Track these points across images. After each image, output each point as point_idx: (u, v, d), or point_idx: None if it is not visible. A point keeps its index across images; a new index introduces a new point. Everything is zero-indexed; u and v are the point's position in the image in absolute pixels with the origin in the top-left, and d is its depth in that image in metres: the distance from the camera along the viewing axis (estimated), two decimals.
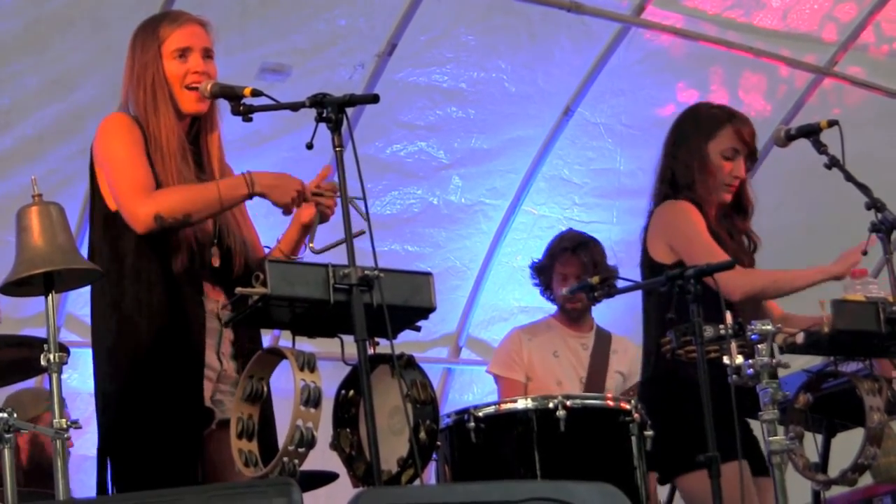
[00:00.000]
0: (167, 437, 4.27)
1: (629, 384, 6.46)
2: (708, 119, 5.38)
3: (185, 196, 4.32)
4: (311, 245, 4.37)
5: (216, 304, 4.40)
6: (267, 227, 4.75)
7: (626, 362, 6.56)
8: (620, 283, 5.35)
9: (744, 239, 5.41)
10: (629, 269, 5.69)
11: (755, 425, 4.92)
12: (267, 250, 4.58)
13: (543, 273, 6.64)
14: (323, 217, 4.43)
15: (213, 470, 4.37)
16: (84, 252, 4.29)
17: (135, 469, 4.27)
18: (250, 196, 4.37)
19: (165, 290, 4.34)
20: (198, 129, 4.56)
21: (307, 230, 4.50)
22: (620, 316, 7.80)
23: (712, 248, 5.11)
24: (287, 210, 4.41)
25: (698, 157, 5.33)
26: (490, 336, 8.56)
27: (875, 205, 5.05)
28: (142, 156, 4.38)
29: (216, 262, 4.44)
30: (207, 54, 4.51)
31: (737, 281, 4.94)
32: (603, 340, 6.60)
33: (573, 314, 6.57)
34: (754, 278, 5.11)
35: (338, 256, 4.23)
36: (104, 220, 4.41)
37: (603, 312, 6.79)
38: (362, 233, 4.16)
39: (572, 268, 6.50)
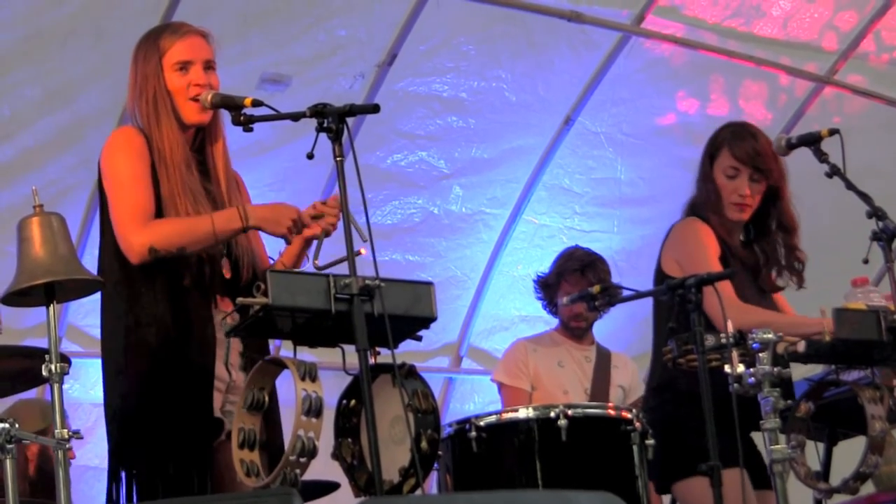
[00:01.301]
0: (177, 448, 4.27)
1: (630, 399, 6.48)
2: (714, 139, 5.41)
3: (179, 229, 4.33)
4: (315, 262, 4.37)
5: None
6: (268, 236, 4.75)
7: (627, 377, 6.62)
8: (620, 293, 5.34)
9: (780, 257, 5.36)
10: (630, 278, 5.68)
11: (758, 439, 4.90)
12: (271, 261, 4.58)
13: (549, 289, 6.66)
14: (326, 233, 4.44)
15: (222, 480, 4.37)
16: (85, 262, 4.29)
17: (146, 481, 4.27)
18: (244, 230, 4.38)
19: (173, 303, 4.35)
20: (202, 139, 4.56)
21: (309, 243, 4.51)
22: (621, 327, 7.81)
23: (713, 269, 5.09)
24: (286, 240, 4.43)
25: (707, 177, 5.35)
26: (491, 345, 8.55)
27: (876, 213, 5.04)
28: (146, 176, 4.39)
29: (227, 274, 4.45)
30: (209, 66, 4.51)
31: (728, 313, 4.85)
32: (603, 356, 6.63)
33: (577, 331, 6.59)
34: (745, 316, 5.00)
35: (339, 266, 4.23)
36: (113, 234, 4.41)
37: (604, 324, 6.79)
38: (360, 253, 4.16)
39: (579, 287, 6.49)
